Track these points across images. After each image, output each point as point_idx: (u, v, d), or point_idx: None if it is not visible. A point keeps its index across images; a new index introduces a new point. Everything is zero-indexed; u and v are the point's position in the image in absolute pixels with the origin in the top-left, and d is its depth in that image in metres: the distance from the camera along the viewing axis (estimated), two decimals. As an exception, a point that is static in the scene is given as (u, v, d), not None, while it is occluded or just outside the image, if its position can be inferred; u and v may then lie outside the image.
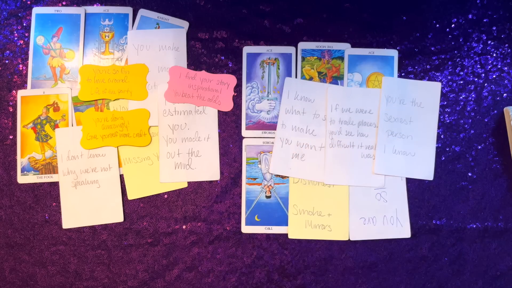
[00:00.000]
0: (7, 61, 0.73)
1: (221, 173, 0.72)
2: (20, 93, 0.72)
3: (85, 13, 0.74)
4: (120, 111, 0.72)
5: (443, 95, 0.72)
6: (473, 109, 0.72)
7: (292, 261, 0.70)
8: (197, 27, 0.74)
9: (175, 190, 0.71)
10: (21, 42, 0.74)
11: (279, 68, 0.73)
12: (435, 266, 0.69)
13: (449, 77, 0.72)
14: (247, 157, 0.71)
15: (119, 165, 0.71)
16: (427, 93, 0.72)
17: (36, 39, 0.73)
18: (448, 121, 0.72)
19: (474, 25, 0.73)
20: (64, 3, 0.74)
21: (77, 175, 0.71)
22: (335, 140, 0.71)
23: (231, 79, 0.73)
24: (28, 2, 0.74)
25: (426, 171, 0.70)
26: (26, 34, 0.74)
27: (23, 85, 0.73)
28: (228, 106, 0.72)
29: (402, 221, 0.70)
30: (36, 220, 0.71)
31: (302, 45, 0.73)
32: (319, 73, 0.73)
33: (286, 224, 0.70)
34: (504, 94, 0.72)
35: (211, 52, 0.73)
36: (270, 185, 0.71)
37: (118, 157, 0.71)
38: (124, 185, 0.71)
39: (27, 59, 0.73)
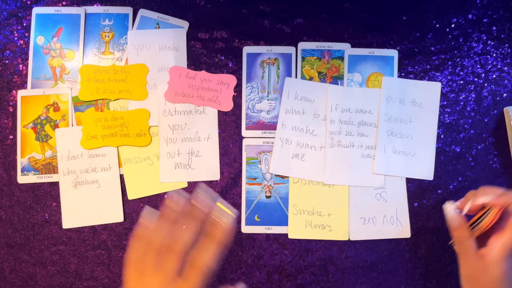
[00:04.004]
0: (7, 61, 0.73)
1: (221, 173, 0.72)
2: (20, 93, 0.72)
3: (85, 13, 0.74)
4: (120, 111, 0.72)
5: (443, 95, 0.72)
6: (473, 109, 0.72)
7: (292, 261, 0.70)
8: (197, 27, 0.74)
9: (175, 190, 0.71)
10: (21, 42, 0.74)
11: (279, 68, 0.73)
12: (435, 266, 0.69)
13: (449, 77, 0.72)
14: (247, 157, 0.71)
15: (119, 165, 0.71)
16: (427, 93, 0.72)
17: (36, 39, 0.73)
18: (448, 121, 0.72)
19: (474, 25, 0.73)
20: (64, 3, 0.74)
21: (77, 175, 0.71)
22: (335, 140, 0.71)
23: (231, 79, 0.73)
24: (28, 2, 0.74)
25: (426, 171, 0.70)
26: (26, 34, 0.74)
27: (23, 85, 0.73)
28: (228, 106, 0.72)
29: (402, 221, 0.70)
30: (36, 220, 0.71)
31: (302, 45, 0.73)
32: (319, 73, 0.73)
33: (286, 224, 0.70)
34: (504, 94, 0.72)
35: (211, 52, 0.73)
36: (270, 185, 0.71)
37: (118, 157, 0.71)
38: (124, 185, 0.71)
39: (27, 59, 0.73)
